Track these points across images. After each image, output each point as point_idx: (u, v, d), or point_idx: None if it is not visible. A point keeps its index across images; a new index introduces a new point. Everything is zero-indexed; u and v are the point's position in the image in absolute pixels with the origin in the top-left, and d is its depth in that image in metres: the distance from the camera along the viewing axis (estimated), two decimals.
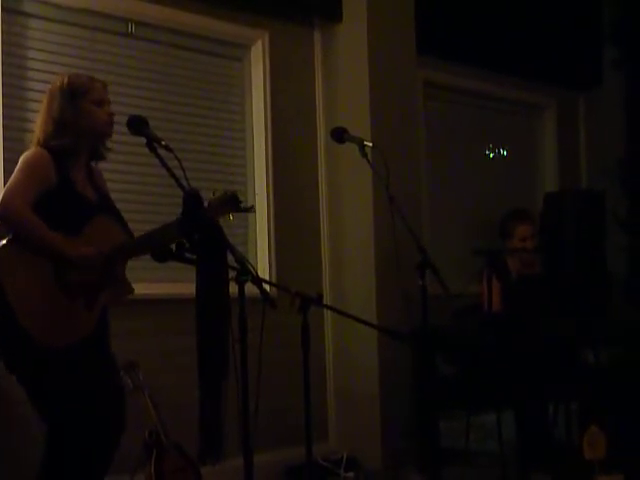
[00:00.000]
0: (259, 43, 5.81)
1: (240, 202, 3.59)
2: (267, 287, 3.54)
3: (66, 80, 3.70)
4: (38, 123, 3.71)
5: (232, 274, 3.47)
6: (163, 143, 3.46)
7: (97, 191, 3.77)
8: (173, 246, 3.56)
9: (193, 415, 3.59)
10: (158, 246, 3.64)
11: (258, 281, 3.45)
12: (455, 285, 4.94)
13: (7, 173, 4.39)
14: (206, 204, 3.52)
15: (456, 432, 5.80)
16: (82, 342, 3.53)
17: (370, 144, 4.53)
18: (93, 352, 3.59)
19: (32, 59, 4.86)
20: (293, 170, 5.95)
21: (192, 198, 3.39)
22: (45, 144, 3.63)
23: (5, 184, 3.60)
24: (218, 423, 3.51)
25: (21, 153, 3.67)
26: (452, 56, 6.77)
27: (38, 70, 4.84)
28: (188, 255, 3.51)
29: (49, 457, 3.55)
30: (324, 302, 4.03)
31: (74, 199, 3.61)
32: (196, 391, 3.53)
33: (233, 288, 3.46)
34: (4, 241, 3.48)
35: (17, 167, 3.58)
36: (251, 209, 3.97)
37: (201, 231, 3.44)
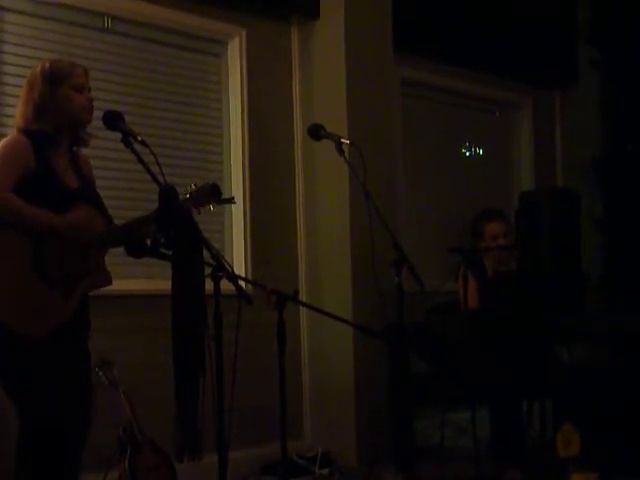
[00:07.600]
0: (236, 39, 5.81)
1: (221, 193, 3.59)
2: (243, 284, 3.54)
3: (47, 65, 3.66)
4: (18, 108, 3.67)
5: (208, 270, 3.47)
6: (139, 138, 3.44)
7: (81, 178, 3.72)
8: (148, 242, 3.55)
9: (168, 412, 3.58)
10: (136, 237, 3.62)
11: (234, 277, 3.45)
12: (431, 282, 4.96)
13: None
14: (187, 196, 3.51)
15: (431, 429, 5.81)
16: (56, 332, 3.48)
17: (347, 141, 4.54)
18: (67, 345, 3.53)
19: (8, 53, 4.82)
20: (270, 166, 5.95)
21: (168, 194, 3.37)
22: (25, 129, 3.60)
23: None
24: (195, 420, 3.50)
25: None
26: (429, 54, 6.79)
27: (14, 64, 4.80)
28: (164, 251, 3.50)
29: (21, 445, 3.51)
30: (300, 299, 4.03)
31: (53, 186, 3.55)
32: (171, 388, 3.52)
33: (209, 284, 3.46)
34: None
35: None
36: (232, 200, 3.98)
37: (177, 227, 3.43)
